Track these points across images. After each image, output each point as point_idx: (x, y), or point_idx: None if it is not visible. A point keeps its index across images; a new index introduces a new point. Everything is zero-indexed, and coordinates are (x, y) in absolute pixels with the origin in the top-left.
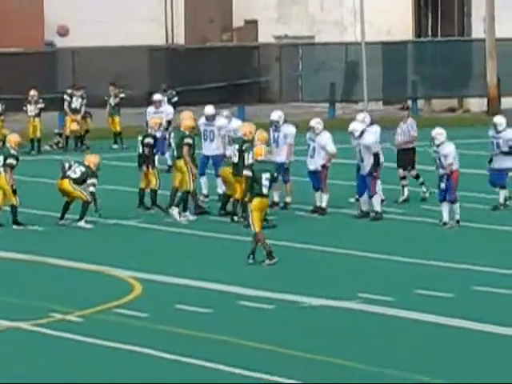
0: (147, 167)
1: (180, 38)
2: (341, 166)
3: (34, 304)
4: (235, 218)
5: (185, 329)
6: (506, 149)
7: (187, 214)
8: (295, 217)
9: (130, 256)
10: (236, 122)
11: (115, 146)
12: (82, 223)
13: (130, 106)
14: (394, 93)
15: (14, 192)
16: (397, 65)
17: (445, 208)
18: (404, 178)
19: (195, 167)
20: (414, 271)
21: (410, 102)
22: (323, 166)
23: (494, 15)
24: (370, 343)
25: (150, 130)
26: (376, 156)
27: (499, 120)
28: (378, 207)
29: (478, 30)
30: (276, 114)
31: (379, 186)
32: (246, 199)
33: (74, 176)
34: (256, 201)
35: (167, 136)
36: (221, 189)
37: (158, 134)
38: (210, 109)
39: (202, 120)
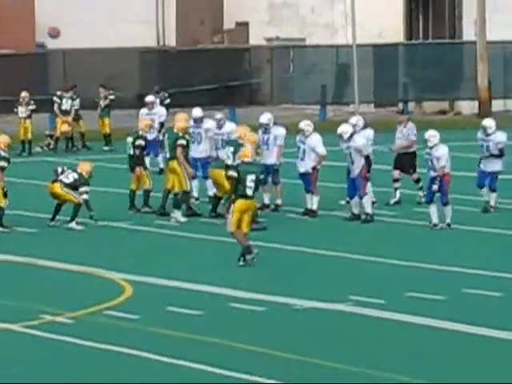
0: (140, 169)
1: (171, 40)
2: (332, 169)
3: (24, 306)
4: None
5: (176, 331)
6: (495, 151)
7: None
8: (286, 219)
9: (120, 258)
10: (229, 125)
11: (106, 148)
12: (72, 224)
13: (121, 108)
14: (385, 95)
15: (5, 195)
16: (388, 67)
17: (433, 209)
18: (397, 180)
19: (190, 167)
20: (405, 274)
21: (400, 105)
22: (313, 168)
23: (485, 18)
24: (361, 345)
25: (140, 132)
26: (367, 158)
27: (488, 123)
28: (368, 209)
29: (469, 33)
30: (265, 117)
31: (370, 187)
32: (231, 200)
33: (66, 181)
34: (239, 202)
35: (160, 138)
36: (211, 191)
37: (149, 136)
38: (197, 111)
39: (190, 122)
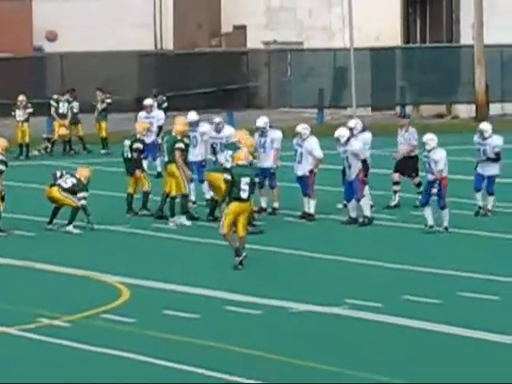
0: (139, 171)
1: (169, 44)
2: (329, 172)
3: (21, 309)
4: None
5: (172, 334)
6: (492, 155)
7: (175, 219)
8: (283, 222)
9: (117, 261)
10: (228, 129)
11: (103, 152)
12: (70, 228)
13: (119, 111)
14: (382, 99)
15: (2, 198)
16: (385, 71)
17: (428, 212)
18: (397, 183)
19: (188, 170)
20: (402, 277)
21: (398, 109)
22: (311, 172)
23: (482, 22)
24: (357, 349)
25: (138, 135)
26: (364, 162)
27: (485, 127)
28: (367, 211)
29: (466, 37)
30: (262, 121)
31: (367, 191)
32: (226, 202)
33: (64, 185)
34: (233, 205)
35: (159, 141)
36: (208, 194)
37: (147, 139)
38: (192, 115)
39: None
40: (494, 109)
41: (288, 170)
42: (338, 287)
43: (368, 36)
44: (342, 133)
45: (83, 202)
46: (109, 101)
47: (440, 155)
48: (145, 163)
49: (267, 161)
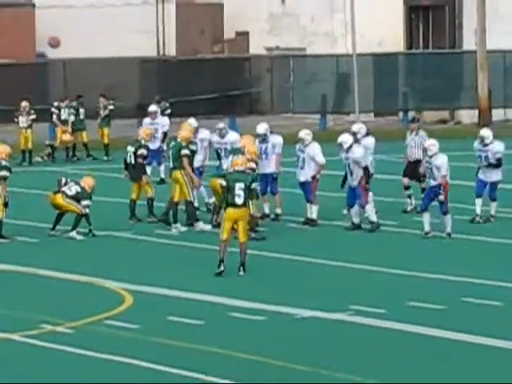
0: (145, 177)
1: (171, 50)
2: (332, 178)
3: (24, 315)
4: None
5: (176, 340)
6: (493, 161)
7: (178, 225)
8: (286, 228)
9: (121, 267)
10: (232, 135)
11: (105, 158)
12: (73, 234)
13: (121, 118)
14: (385, 104)
15: (6, 205)
16: (388, 76)
17: (426, 218)
18: (408, 187)
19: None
20: (406, 283)
21: (401, 114)
22: (313, 178)
23: (485, 27)
24: (361, 355)
25: (142, 141)
26: (366, 169)
27: (486, 133)
28: (373, 217)
29: (469, 42)
30: (262, 127)
31: (371, 197)
32: (223, 208)
33: (68, 193)
34: (229, 211)
35: (164, 148)
36: (210, 199)
37: (151, 145)
38: (191, 121)
39: None
40: (497, 114)
41: (290, 175)
42: (342, 293)
43: (370, 42)
44: (345, 139)
45: (86, 210)
46: (111, 107)
47: (442, 161)
48: (148, 169)
49: (269, 167)
